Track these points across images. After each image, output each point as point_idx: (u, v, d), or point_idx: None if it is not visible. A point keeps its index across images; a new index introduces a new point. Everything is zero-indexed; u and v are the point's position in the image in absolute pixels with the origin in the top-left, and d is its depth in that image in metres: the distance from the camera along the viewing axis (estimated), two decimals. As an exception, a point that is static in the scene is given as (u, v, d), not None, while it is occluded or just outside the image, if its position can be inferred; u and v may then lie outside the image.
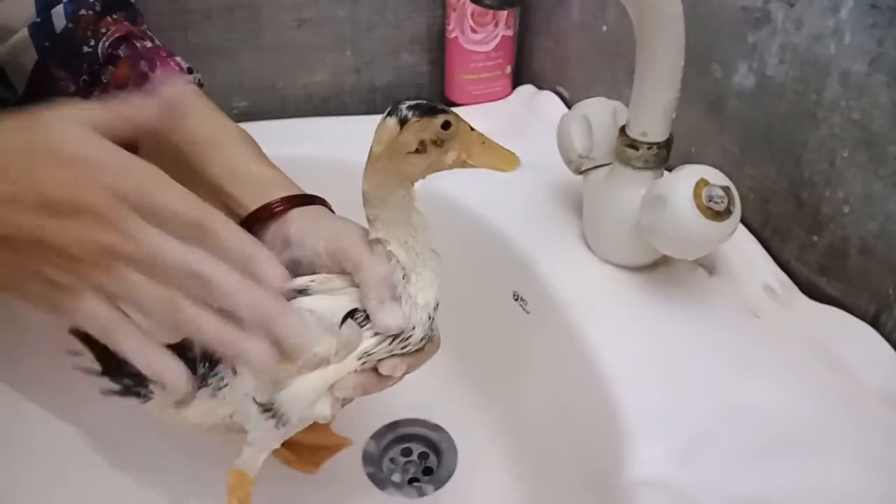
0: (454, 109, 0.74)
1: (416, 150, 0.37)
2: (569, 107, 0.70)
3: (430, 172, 0.39)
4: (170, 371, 0.35)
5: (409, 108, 0.37)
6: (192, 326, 0.35)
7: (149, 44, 0.48)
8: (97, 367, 0.39)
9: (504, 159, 0.40)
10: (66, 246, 0.33)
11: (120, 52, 0.46)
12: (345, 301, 0.40)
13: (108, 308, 0.34)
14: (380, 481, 0.55)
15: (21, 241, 0.33)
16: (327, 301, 0.40)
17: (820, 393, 0.42)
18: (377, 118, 0.70)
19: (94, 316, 0.34)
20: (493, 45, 0.72)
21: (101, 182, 0.33)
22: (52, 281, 0.33)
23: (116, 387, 0.39)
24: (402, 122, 0.37)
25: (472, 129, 0.39)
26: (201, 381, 0.40)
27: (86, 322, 0.34)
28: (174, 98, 0.36)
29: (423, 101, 0.38)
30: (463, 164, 0.39)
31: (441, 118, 0.37)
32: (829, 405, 0.41)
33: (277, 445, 0.43)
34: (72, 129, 0.33)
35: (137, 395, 0.40)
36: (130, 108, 0.35)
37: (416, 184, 0.40)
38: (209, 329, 0.35)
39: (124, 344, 0.34)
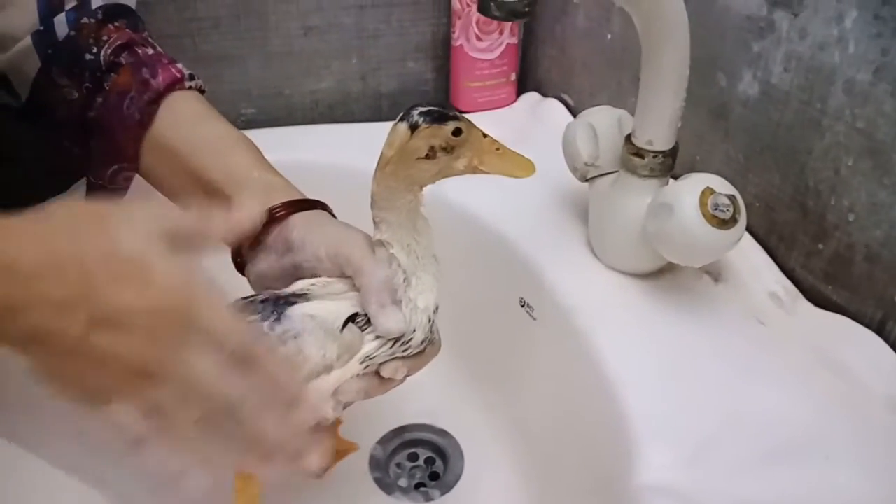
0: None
1: (426, 156, 0.38)
2: (573, 114, 0.71)
3: (440, 178, 0.40)
4: (189, 484, 0.35)
5: (421, 113, 0.37)
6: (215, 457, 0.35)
7: (150, 51, 0.48)
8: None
9: (518, 165, 0.40)
10: (105, 357, 0.31)
11: (122, 59, 0.47)
12: (346, 306, 0.41)
13: (137, 420, 0.33)
14: (387, 486, 0.55)
15: (63, 344, 0.31)
16: (328, 306, 0.41)
17: (825, 399, 0.42)
18: (383, 125, 0.70)
19: (121, 425, 0.33)
20: (497, 52, 0.72)
21: (153, 298, 0.31)
22: (85, 384, 0.32)
23: None
24: (413, 127, 0.37)
25: (485, 135, 0.39)
26: None
27: (113, 428, 0.33)
28: (245, 222, 0.36)
29: (436, 107, 0.38)
30: (475, 171, 0.40)
31: (452, 125, 0.38)
32: (834, 412, 0.42)
33: None
34: (139, 237, 0.32)
35: None
36: (203, 222, 0.35)
37: (424, 188, 0.40)
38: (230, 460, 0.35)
39: (145, 457, 0.34)
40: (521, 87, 0.76)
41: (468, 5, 0.69)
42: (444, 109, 0.38)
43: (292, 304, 0.40)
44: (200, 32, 0.68)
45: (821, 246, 0.47)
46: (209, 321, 0.33)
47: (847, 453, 0.40)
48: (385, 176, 0.39)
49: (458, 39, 0.71)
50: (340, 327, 0.40)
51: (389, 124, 0.71)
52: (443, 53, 0.75)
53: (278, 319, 0.39)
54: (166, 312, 0.31)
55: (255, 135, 0.49)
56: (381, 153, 0.39)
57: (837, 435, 0.40)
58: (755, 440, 0.40)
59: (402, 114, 0.38)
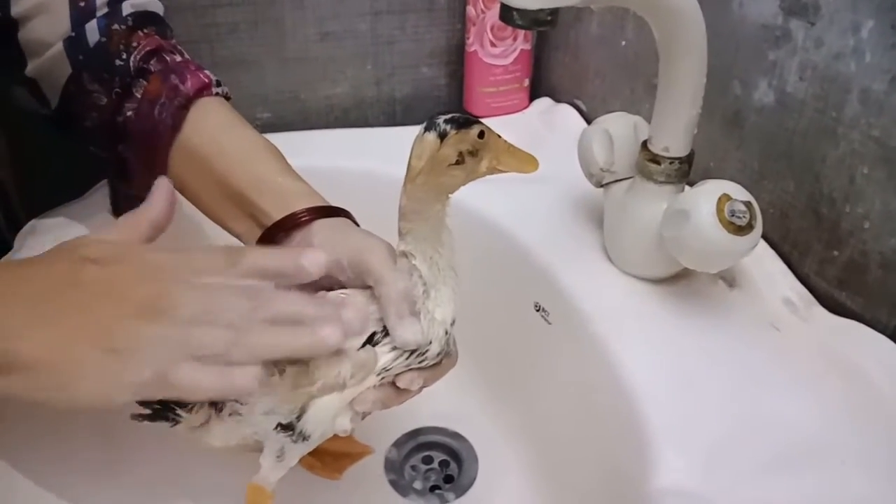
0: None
1: (457, 162, 0.39)
2: (586, 120, 0.71)
3: (466, 182, 0.40)
4: (240, 377, 0.36)
5: (446, 121, 0.38)
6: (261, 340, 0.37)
7: (178, 57, 0.49)
8: (115, 407, 0.40)
9: (527, 161, 0.42)
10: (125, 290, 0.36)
11: (151, 65, 0.48)
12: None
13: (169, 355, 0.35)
14: (402, 488, 0.56)
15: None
16: None
17: (839, 406, 0.43)
18: (396, 129, 0.72)
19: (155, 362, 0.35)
20: (511, 58, 0.73)
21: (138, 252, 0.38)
22: (104, 343, 0.35)
23: (147, 411, 0.40)
24: (442, 136, 0.38)
25: (499, 136, 0.41)
26: (220, 403, 0.41)
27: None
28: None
29: (455, 113, 0.39)
30: (493, 171, 0.41)
31: (476, 128, 0.39)
32: (848, 418, 0.42)
33: (296, 462, 0.43)
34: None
35: (166, 419, 0.41)
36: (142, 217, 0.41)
37: (450, 197, 0.41)
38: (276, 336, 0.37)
39: (182, 375, 0.35)
40: (534, 93, 0.77)
41: (482, 11, 0.70)
42: (463, 115, 0.39)
43: None
44: (218, 38, 0.69)
45: (835, 253, 0.48)
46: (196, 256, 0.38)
47: (862, 459, 0.40)
48: (416, 188, 0.39)
49: (472, 45, 0.72)
50: (357, 347, 0.41)
51: (403, 129, 0.73)
52: (457, 59, 0.76)
53: None
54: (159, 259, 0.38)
55: (270, 139, 0.50)
56: (410, 165, 0.39)
57: (852, 441, 0.41)
58: (770, 445, 0.41)
59: (424, 124, 0.39)
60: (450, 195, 0.40)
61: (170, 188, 0.42)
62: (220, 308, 0.36)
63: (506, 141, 0.41)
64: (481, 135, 0.39)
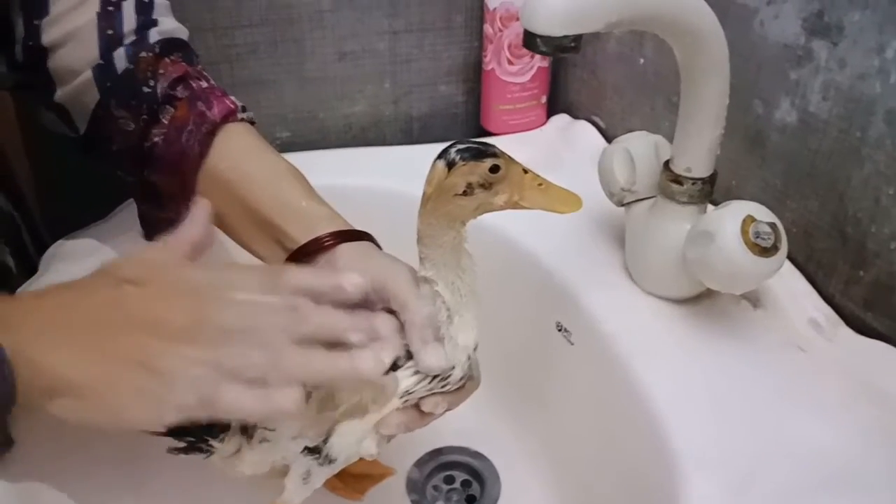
0: (500, 143, 0.75)
1: (464, 193, 0.38)
2: (605, 137, 0.71)
3: (479, 214, 0.40)
4: (281, 400, 0.36)
5: (458, 151, 0.38)
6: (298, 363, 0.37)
7: (204, 84, 0.50)
8: (161, 428, 0.41)
9: (562, 200, 0.40)
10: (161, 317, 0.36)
11: (177, 92, 0.48)
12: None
13: (206, 374, 0.36)
14: (423, 509, 0.56)
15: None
16: None
17: (867, 428, 0.42)
18: (414, 148, 0.72)
19: (193, 385, 0.36)
20: (528, 76, 0.73)
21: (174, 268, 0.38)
22: (148, 366, 0.36)
23: (181, 445, 0.41)
24: (450, 164, 0.38)
25: (525, 171, 0.40)
26: (251, 431, 0.41)
27: (186, 394, 0.36)
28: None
29: (475, 143, 0.38)
30: (516, 206, 0.40)
31: (488, 162, 0.38)
32: (877, 442, 0.41)
33: (321, 484, 0.43)
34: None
35: (200, 450, 0.41)
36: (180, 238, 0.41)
37: (466, 225, 0.41)
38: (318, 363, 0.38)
39: (226, 397, 0.36)
40: (551, 110, 0.77)
41: (500, 30, 0.70)
42: (482, 146, 0.38)
43: None
44: (238, 59, 0.70)
45: (861, 273, 0.47)
46: (236, 276, 0.39)
47: (890, 483, 0.39)
48: (427, 213, 0.39)
49: (489, 63, 0.72)
50: (383, 373, 0.41)
51: (420, 147, 0.73)
52: (474, 77, 0.76)
53: None
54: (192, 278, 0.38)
55: (289, 158, 0.50)
56: (423, 191, 0.39)
57: (879, 464, 0.40)
58: (799, 470, 0.40)
59: (441, 151, 0.39)
60: (464, 223, 0.40)
61: (208, 208, 0.42)
62: (259, 326, 0.37)
63: (537, 177, 0.40)
64: (494, 169, 0.38)
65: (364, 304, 0.42)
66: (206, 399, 0.35)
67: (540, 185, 0.40)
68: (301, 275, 0.40)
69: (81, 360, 0.35)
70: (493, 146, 0.39)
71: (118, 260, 0.40)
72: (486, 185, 0.38)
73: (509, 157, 0.39)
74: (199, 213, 0.42)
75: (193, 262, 0.40)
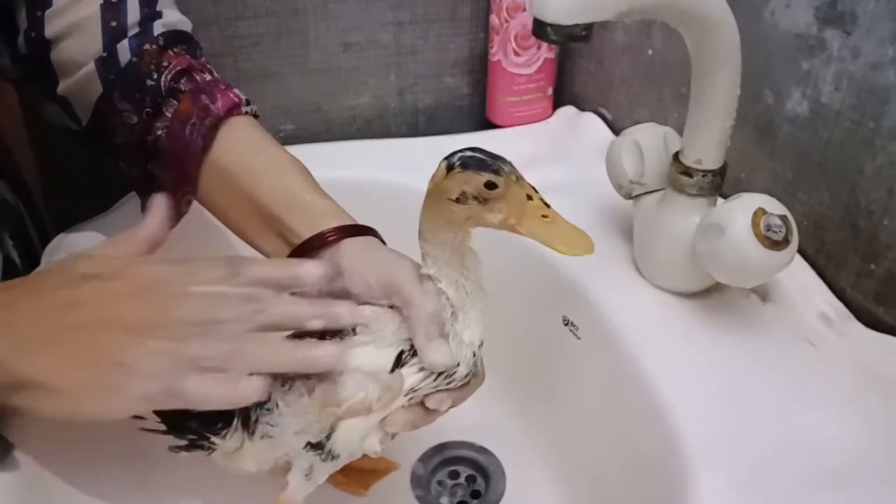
0: (506, 135, 0.74)
1: (457, 200, 0.38)
2: (612, 129, 0.71)
3: (472, 225, 0.39)
4: (244, 388, 0.37)
5: (462, 156, 0.37)
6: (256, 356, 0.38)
7: (208, 76, 0.49)
8: (161, 427, 0.41)
9: (566, 240, 0.38)
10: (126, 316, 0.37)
11: (181, 85, 0.48)
12: (391, 349, 0.41)
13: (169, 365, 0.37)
14: None
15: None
16: (374, 352, 0.41)
17: (877, 423, 0.42)
18: (419, 140, 0.72)
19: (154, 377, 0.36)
20: (535, 67, 0.72)
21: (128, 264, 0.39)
22: (110, 359, 0.36)
23: (182, 442, 0.41)
24: (449, 168, 0.37)
25: (530, 198, 0.38)
26: (253, 427, 0.41)
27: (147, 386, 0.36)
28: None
29: (485, 154, 0.37)
30: (512, 229, 0.38)
31: (485, 176, 0.37)
32: (886, 435, 0.41)
33: (324, 480, 0.43)
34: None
35: (202, 447, 0.41)
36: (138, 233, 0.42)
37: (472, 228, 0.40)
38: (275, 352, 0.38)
39: (188, 386, 0.36)
40: (557, 101, 0.76)
41: (506, 21, 0.69)
42: (490, 158, 0.37)
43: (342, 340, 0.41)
44: (242, 51, 0.69)
45: (872, 266, 0.47)
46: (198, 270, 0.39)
47: (902, 477, 0.39)
48: (426, 209, 0.39)
49: (495, 55, 0.71)
50: (389, 370, 0.40)
51: (425, 140, 0.72)
52: (479, 68, 0.76)
53: None
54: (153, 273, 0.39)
55: (293, 151, 0.50)
56: (427, 187, 0.39)
57: (891, 459, 0.40)
58: (809, 464, 0.40)
59: (451, 152, 0.38)
60: (461, 227, 0.39)
61: (166, 205, 0.43)
62: (220, 316, 0.38)
63: (542, 206, 0.38)
64: (490, 185, 0.37)
65: (366, 298, 0.42)
66: (169, 389, 0.36)
67: (544, 216, 0.38)
68: (260, 266, 0.40)
69: (45, 356, 0.36)
70: (503, 162, 0.37)
71: (76, 255, 0.40)
72: (481, 199, 0.37)
73: (517, 177, 0.38)
74: (156, 209, 0.42)
75: (152, 257, 0.41)
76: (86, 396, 0.36)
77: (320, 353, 0.38)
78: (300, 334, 0.40)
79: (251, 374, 0.37)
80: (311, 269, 0.40)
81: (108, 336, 0.36)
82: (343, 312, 0.40)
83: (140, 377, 0.36)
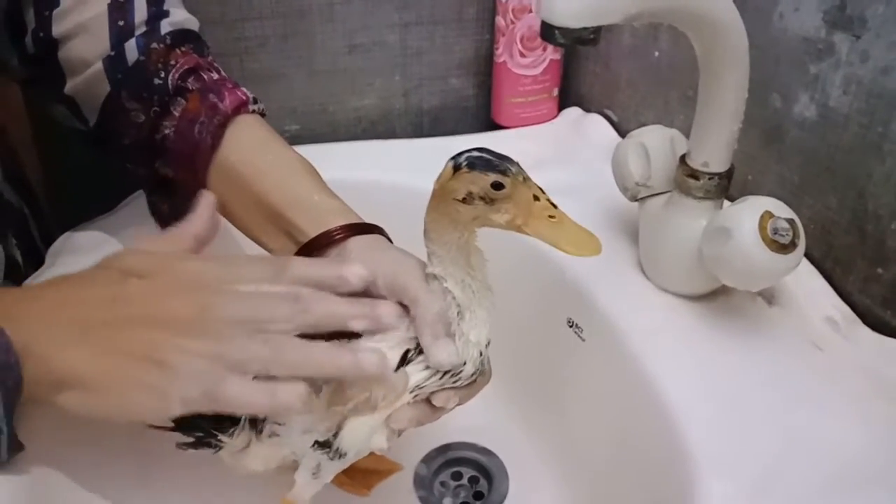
0: (511, 136, 0.74)
1: (463, 200, 0.37)
2: (618, 130, 0.71)
3: (479, 225, 0.39)
4: (285, 395, 0.36)
5: (469, 157, 0.37)
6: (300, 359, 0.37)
7: (215, 75, 0.49)
8: (169, 424, 0.41)
9: (573, 240, 0.38)
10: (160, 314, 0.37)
11: (189, 84, 0.48)
12: (395, 351, 0.41)
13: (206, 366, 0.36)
14: (432, 505, 0.55)
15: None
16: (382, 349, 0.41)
17: (885, 427, 0.42)
18: (424, 141, 0.72)
19: (194, 378, 0.36)
20: (541, 68, 0.72)
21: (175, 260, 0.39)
22: (153, 360, 0.36)
23: (190, 440, 0.41)
24: (456, 168, 0.37)
25: (537, 198, 0.38)
26: (261, 425, 0.41)
27: (189, 387, 0.36)
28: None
29: (492, 154, 0.37)
30: (519, 230, 0.38)
31: (492, 177, 0.36)
32: (893, 439, 0.41)
33: (331, 479, 0.43)
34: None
35: (209, 445, 0.41)
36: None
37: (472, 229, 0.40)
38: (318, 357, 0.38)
39: (230, 390, 0.36)
40: (562, 103, 0.76)
41: (512, 22, 0.69)
42: (496, 159, 0.37)
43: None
44: (248, 52, 0.69)
45: (880, 270, 0.46)
46: (239, 269, 0.39)
47: (911, 484, 0.39)
48: (431, 209, 0.39)
49: (501, 56, 0.71)
50: (394, 368, 0.40)
51: (430, 141, 0.72)
52: (485, 69, 0.76)
53: None
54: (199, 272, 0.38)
55: (298, 151, 0.50)
56: (433, 187, 0.39)
57: (898, 464, 0.40)
58: (816, 470, 0.39)
59: (458, 152, 0.38)
60: (466, 227, 0.39)
61: (213, 201, 0.42)
62: (263, 317, 0.37)
63: (549, 207, 0.38)
64: (497, 186, 0.37)
65: (372, 296, 0.42)
66: (209, 392, 0.35)
67: (551, 217, 0.38)
68: (304, 265, 0.40)
69: (87, 354, 0.36)
70: (510, 162, 0.37)
71: (121, 252, 0.40)
72: (488, 200, 0.37)
73: (524, 178, 0.37)
74: (203, 207, 0.42)
75: (197, 254, 0.40)
76: (128, 396, 0.36)
77: (364, 359, 0.37)
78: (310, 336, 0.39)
79: (293, 378, 0.36)
80: (356, 270, 0.40)
81: (150, 334, 0.36)
82: (387, 313, 0.39)
83: (181, 378, 0.35)
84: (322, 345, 0.38)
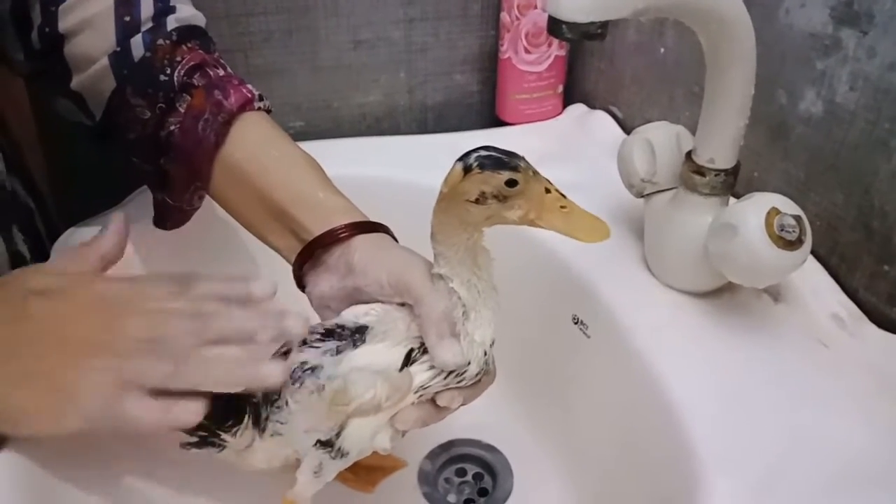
0: (515, 132, 0.74)
1: (476, 201, 0.37)
2: (623, 127, 0.70)
3: (491, 224, 0.39)
4: (181, 413, 0.37)
5: (479, 157, 0.37)
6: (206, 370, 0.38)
7: (221, 72, 0.49)
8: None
9: (585, 228, 0.38)
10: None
11: (194, 80, 0.48)
12: (401, 346, 0.41)
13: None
14: (435, 501, 0.55)
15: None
16: (385, 351, 0.41)
17: (890, 425, 0.42)
18: (428, 137, 0.72)
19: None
20: (545, 65, 0.72)
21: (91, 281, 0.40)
22: (52, 378, 0.37)
23: (193, 439, 0.41)
24: (466, 169, 0.37)
25: (548, 190, 0.38)
26: (263, 424, 0.41)
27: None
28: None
29: (500, 152, 0.37)
30: (532, 224, 0.38)
31: (505, 175, 0.36)
32: (900, 438, 0.41)
33: (332, 477, 0.43)
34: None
35: (213, 444, 0.41)
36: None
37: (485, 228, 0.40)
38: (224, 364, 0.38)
39: (127, 407, 0.37)
40: (567, 99, 0.76)
41: (517, 18, 0.69)
42: (506, 156, 0.37)
43: (354, 342, 0.41)
44: (252, 47, 0.69)
45: (886, 268, 0.46)
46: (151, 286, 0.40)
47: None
48: (440, 211, 0.39)
49: (506, 52, 0.71)
50: (398, 368, 0.40)
51: (434, 137, 0.72)
52: (490, 66, 0.76)
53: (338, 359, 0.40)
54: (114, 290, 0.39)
55: (302, 147, 0.50)
56: (440, 189, 0.38)
57: (905, 462, 0.40)
58: (821, 468, 0.39)
59: (465, 153, 0.38)
60: (482, 228, 0.39)
61: (124, 224, 0.44)
62: (166, 332, 0.38)
63: (560, 199, 0.38)
64: (510, 183, 0.36)
65: (377, 295, 0.42)
66: (108, 409, 0.36)
67: (563, 207, 0.38)
68: (211, 282, 0.41)
69: None
70: (518, 158, 0.37)
71: (25, 270, 0.41)
72: (501, 198, 0.37)
73: (534, 172, 0.38)
74: (113, 227, 0.43)
75: (102, 273, 0.41)
76: (23, 413, 0.37)
77: (265, 372, 0.38)
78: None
79: (195, 392, 0.37)
80: (262, 286, 0.41)
81: (52, 354, 0.37)
82: (293, 324, 0.39)
83: (80, 396, 0.36)
84: (225, 357, 0.38)
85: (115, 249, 0.43)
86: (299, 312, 0.40)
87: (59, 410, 0.37)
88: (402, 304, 0.42)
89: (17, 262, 0.52)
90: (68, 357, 0.37)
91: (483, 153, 0.37)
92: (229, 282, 0.41)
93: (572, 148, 0.69)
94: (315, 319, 0.44)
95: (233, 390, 0.39)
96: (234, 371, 0.38)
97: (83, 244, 0.42)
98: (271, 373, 0.38)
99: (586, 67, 0.75)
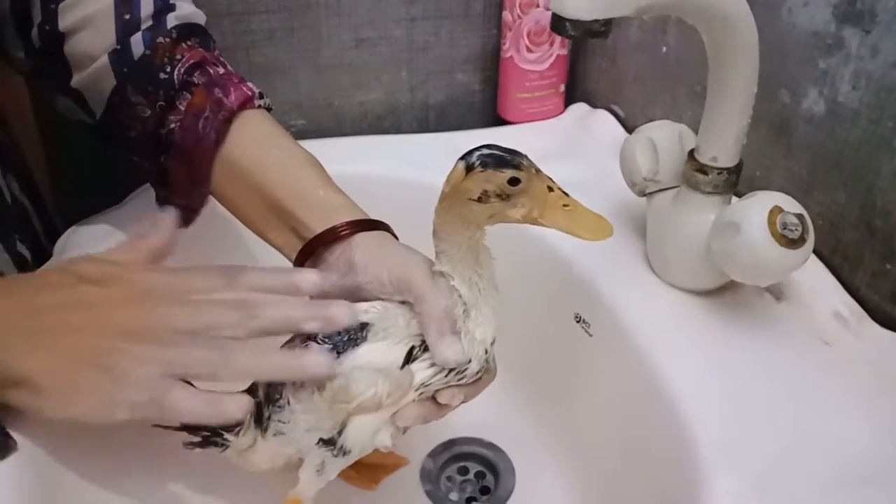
0: (517, 131, 0.74)
1: (479, 199, 0.37)
2: (625, 126, 0.70)
3: (494, 222, 0.39)
4: (230, 407, 0.38)
5: (481, 155, 0.37)
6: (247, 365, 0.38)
7: (221, 70, 0.49)
8: (175, 423, 0.41)
9: (588, 226, 0.38)
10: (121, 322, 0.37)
11: (194, 78, 0.48)
12: (402, 344, 0.41)
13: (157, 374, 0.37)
14: (438, 499, 0.55)
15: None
16: (386, 349, 0.41)
17: (893, 423, 0.42)
18: (430, 136, 0.72)
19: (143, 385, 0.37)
20: (547, 63, 0.72)
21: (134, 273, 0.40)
22: (102, 365, 0.37)
23: (196, 439, 0.41)
24: (469, 168, 0.37)
25: (551, 189, 0.38)
26: (266, 424, 0.41)
27: (137, 392, 0.37)
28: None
29: (502, 150, 0.37)
30: (535, 222, 0.38)
31: (508, 173, 0.36)
32: (903, 436, 0.41)
33: (335, 476, 0.43)
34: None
35: (216, 444, 0.41)
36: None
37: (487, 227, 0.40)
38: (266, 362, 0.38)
39: (175, 398, 0.37)
40: (569, 98, 0.76)
41: (519, 17, 0.69)
42: (508, 154, 0.37)
43: (355, 340, 0.41)
44: (254, 45, 0.69)
45: (888, 266, 0.46)
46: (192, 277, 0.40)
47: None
48: (443, 210, 0.39)
49: (508, 51, 0.71)
50: (400, 366, 0.40)
51: (436, 136, 0.72)
52: (491, 65, 0.75)
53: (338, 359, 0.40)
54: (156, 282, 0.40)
55: (303, 146, 0.50)
56: (442, 188, 0.38)
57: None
58: (824, 466, 0.39)
59: (467, 151, 0.38)
60: (484, 227, 0.39)
61: (175, 220, 0.44)
62: (212, 323, 0.38)
63: (563, 196, 0.38)
64: (513, 181, 0.36)
65: (378, 293, 0.42)
66: (155, 398, 0.36)
67: (565, 205, 0.38)
68: (256, 274, 0.41)
69: (35, 353, 0.37)
70: (521, 156, 0.37)
71: (78, 258, 0.41)
72: (504, 196, 0.37)
73: (536, 170, 0.38)
74: (164, 223, 0.43)
75: (151, 265, 0.41)
76: (72, 398, 0.37)
77: (310, 362, 0.38)
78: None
79: (241, 383, 0.38)
80: (308, 277, 0.41)
81: (99, 340, 0.37)
82: (339, 313, 0.39)
83: (129, 384, 0.36)
84: (268, 348, 0.39)
85: (166, 246, 0.43)
86: (344, 301, 0.41)
87: (105, 393, 0.36)
88: (403, 302, 0.42)
89: (19, 264, 0.52)
90: (114, 342, 0.37)
91: (485, 151, 0.37)
92: (276, 273, 0.41)
93: (574, 147, 0.69)
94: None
95: (280, 380, 0.39)
96: (280, 360, 0.39)
97: (136, 237, 0.43)
98: (318, 363, 0.38)
99: (588, 66, 0.75)
